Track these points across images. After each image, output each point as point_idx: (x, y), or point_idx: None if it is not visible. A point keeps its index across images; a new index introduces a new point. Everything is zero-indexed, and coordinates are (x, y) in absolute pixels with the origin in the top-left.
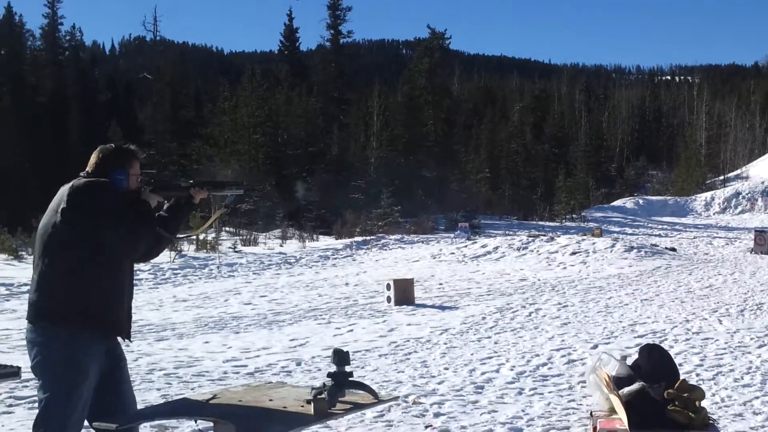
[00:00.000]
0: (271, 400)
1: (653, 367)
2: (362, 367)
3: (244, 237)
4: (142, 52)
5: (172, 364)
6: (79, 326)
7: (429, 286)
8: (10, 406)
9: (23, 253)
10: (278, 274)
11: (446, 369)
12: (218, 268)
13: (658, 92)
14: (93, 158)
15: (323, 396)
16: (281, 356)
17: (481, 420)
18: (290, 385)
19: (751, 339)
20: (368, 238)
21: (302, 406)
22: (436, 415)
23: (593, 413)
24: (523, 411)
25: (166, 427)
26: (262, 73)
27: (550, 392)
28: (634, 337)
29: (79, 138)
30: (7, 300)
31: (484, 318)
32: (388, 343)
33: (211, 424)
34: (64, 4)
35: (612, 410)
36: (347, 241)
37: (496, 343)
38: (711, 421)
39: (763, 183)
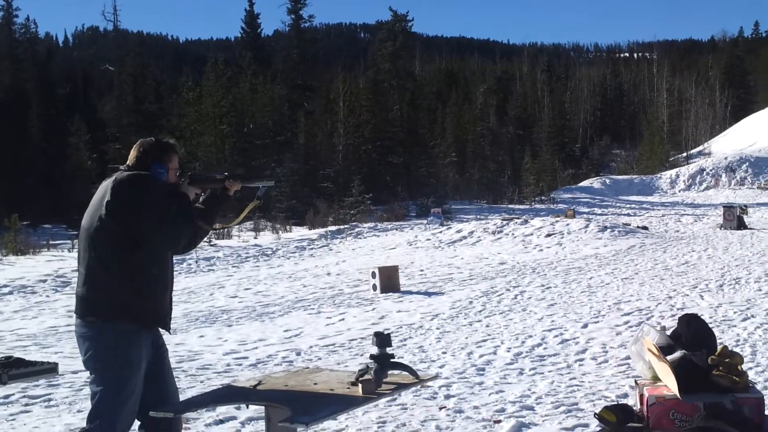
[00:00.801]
0: (315, 383)
1: (693, 335)
2: (361, 355)
3: (218, 230)
4: (96, 43)
5: (174, 359)
6: (128, 319)
7: (411, 273)
8: (27, 405)
9: None
10: (257, 266)
11: (444, 353)
12: (196, 262)
13: (618, 70)
14: (133, 152)
15: (369, 377)
16: (279, 347)
17: (491, 400)
18: (329, 369)
19: (735, 312)
20: (342, 227)
21: (348, 388)
22: (446, 397)
23: (638, 381)
24: (529, 390)
25: (187, 419)
26: (224, 62)
27: (549, 371)
28: (621, 315)
29: (40, 133)
30: None
31: (471, 302)
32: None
33: (260, 408)
34: None
35: (655, 378)
36: (321, 230)
37: (487, 326)
38: (752, 384)
39: (726, 159)
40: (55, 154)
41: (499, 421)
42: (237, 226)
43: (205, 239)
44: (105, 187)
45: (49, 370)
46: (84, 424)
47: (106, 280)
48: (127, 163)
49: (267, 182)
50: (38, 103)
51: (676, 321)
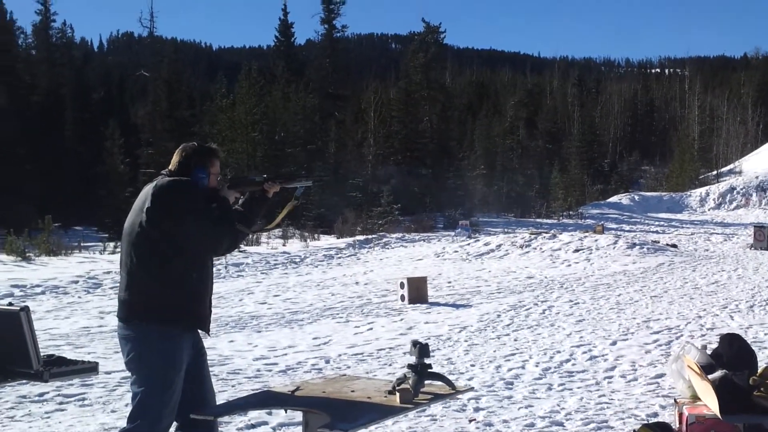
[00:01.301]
0: (353, 391)
1: (735, 355)
2: (390, 365)
3: (258, 232)
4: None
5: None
6: (170, 322)
7: (438, 285)
8: (61, 403)
9: (30, 254)
10: (286, 273)
11: (472, 366)
12: (226, 267)
13: (650, 85)
14: (176, 157)
15: (407, 386)
16: (308, 354)
17: (520, 414)
18: (365, 378)
19: (765, 334)
20: (370, 236)
21: (385, 397)
22: (476, 409)
23: (677, 400)
24: (558, 405)
25: (219, 423)
26: (257, 70)
27: (578, 388)
28: (650, 333)
29: (74, 137)
30: (23, 301)
31: (499, 316)
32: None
33: (292, 414)
34: (54, 1)
35: (695, 397)
36: (349, 240)
37: (515, 340)
38: None
39: (757, 178)
40: (88, 158)
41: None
42: (266, 233)
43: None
44: (146, 192)
45: (89, 369)
46: (118, 424)
47: (148, 284)
48: (170, 167)
49: (305, 182)
50: (74, 107)
51: (718, 340)
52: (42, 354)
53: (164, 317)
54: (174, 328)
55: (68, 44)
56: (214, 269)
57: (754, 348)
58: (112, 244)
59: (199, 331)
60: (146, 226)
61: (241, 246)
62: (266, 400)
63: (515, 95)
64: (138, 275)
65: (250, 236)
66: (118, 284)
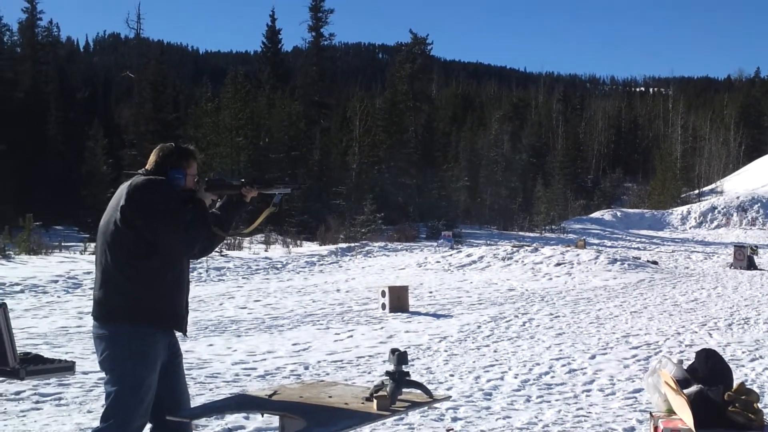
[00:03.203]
0: (330, 397)
1: (710, 370)
2: (369, 372)
3: (230, 241)
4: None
5: (183, 366)
6: (143, 321)
7: (420, 294)
8: (37, 402)
9: (10, 252)
10: (267, 278)
11: (452, 376)
12: (207, 271)
13: (634, 104)
14: (152, 157)
15: (384, 393)
16: (288, 360)
17: (497, 425)
18: (343, 383)
19: (743, 352)
20: (352, 244)
21: (362, 403)
22: (453, 419)
23: (653, 414)
24: (536, 417)
25: (196, 426)
26: (243, 75)
27: (557, 400)
28: (630, 348)
29: (58, 136)
30: (1, 299)
31: (479, 327)
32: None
33: (269, 419)
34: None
35: (670, 411)
36: (332, 247)
37: (495, 351)
38: (767, 423)
39: (738, 198)
40: (71, 157)
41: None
42: (249, 238)
43: (216, 249)
44: (121, 191)
45: (66, 368)
46: (94, 425)
47: (121, 283)
48: (146, 167)
49: (283, 189)
50: (57, 106)
51: (694, 355)
52: (19, 352)
53: (138, 317)
54: (148, 328)
55: (54, 43)
56: (195, 272)
57: (731, 365)
58: (92, 245)
59: (176, 332)
60: (120, 225)
61: (223, 250)
62: (243, 403)
63: (500, 109)
64: (112, 274)
65: (232, 240)
66: None
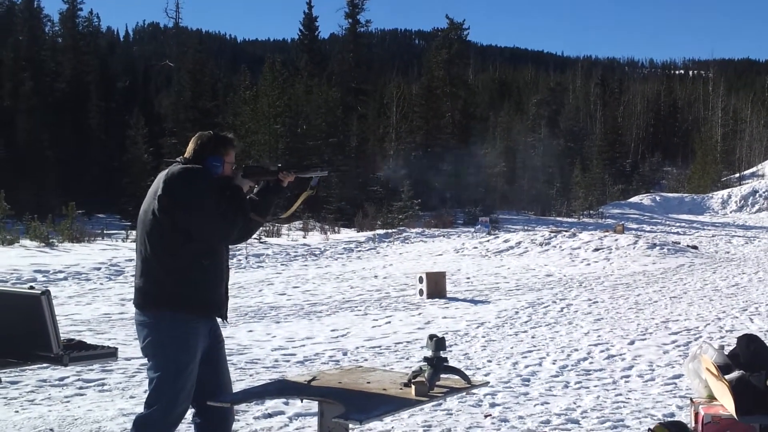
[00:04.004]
0: (368, 382)
1: (752, 356)
2: (407, 358)
3: (268, 228)
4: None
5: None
6: (184, 309)
7: (457, 280)
8: (81, 388)
9: (54, 240)
10: (306, 265)
11: (489, 362)
12: (246, 258)
13: (673, 87)
14: (191, 145)
15: (422, 379)
16: (326, 346)
17: (536, 411)
18: (381, 369)
19: None
20: (390, 231)
21: (401, 389)
22: (491, 405)
23: (693, 400)
24: (574, 403)
25: (236, 411)
26: (281, 62)
27: (595, 386)
28: (669, 334)
29: (99, 125)
30: (45, 286)
31: (517, 312)
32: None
33: (308, 404)
34: None
35: (711, 397)
36: (369, 233)
37: (533, 337)
38: None
39: None
40: (112, 146)
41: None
42: (287, 225)
43: (255, 235)
44: (159, 180)
45: (109, 354)
46: (136, 410)
47: (160, 271)
48: (185, 155)
49: (320, 173)
50: (98, 96)
51: (735, 341)
52: (62, 338)
53: (177, 304)
54: (188, 315)
55: (94, 33)
56: (235, 259)
57: None
58: (134, 232)
59: (217, 318)
60: (158, 214)
61: (262, 237)
62: (283, 389)
63: (537, 93)
64: (151, 262)
65: (270, 227)
66: None
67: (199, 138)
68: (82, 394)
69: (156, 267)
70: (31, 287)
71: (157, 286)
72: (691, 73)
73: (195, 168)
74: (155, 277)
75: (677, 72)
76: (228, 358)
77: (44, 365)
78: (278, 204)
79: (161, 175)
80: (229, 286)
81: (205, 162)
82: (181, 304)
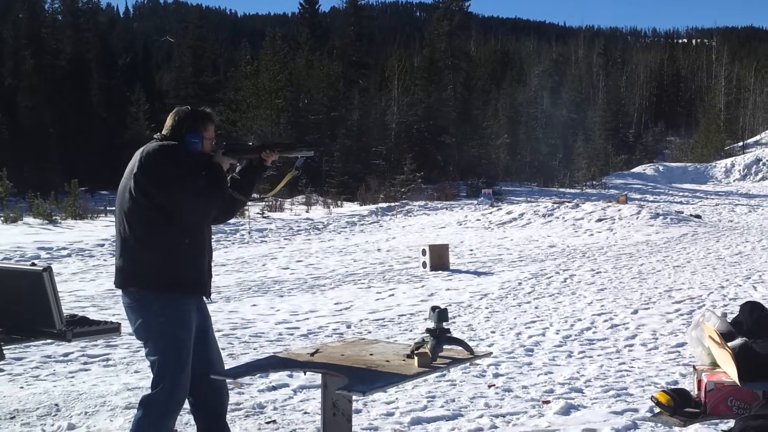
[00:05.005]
0: (371, 354)
1: (755, 323)
2: (411, 330)
3: (270, 203)
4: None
5: (228, 326)
6: (167, 289)
7: (460, 252)
8: (85, 363)
9: (57, 217)
10: (309, 239)
11: (493, 332)
12: (249, 233)
13: (676, 56)
14: (169, 120)
15: (425, 350)
16: (330, 319)
17: (539, 380)
18: (384, 341)
19: None
20: (392, 204)
21: (404, 360)
22: (495, 375)
23: (696, 367)
24: (578, 372)
25: (241, 384)
26: (281, 37)
27: (599, 355)
28: (672, 303)
29: (100, 102)
30: (49, 263)
31: (520, 283)
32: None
33: (312, 377)
34: None
35: (714, 364)
36: (372, 207)
37: (536, 308)
38: None
39: None
40: (114, 123)
41: (547, 402)
42: (290, 200)
43: (258, 211)
44: (135, 157)
45: (112, 329)
46: (141, 384)
47: (139, 251)
48: (162, 131)
49: (306, 152)
50: (99, 73)
51: (738, 308)
52: (65, 314)
53: (159, 284)
54: (173, 294)
55: (94, 10)
56: (238, 234)
57: None
58: None
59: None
60: (134, 193)
61: (265, 212)
62: (286, 362)
63: (540, 64)
64: (129, 242)
65: (273, 202)
66: None
67: (177, 114)
68: (86, 370)
69: (136, 247)
70: (33, 264)
71: (138, 265)
72: (694, 41)
73: (170, 145)
74: (134, 256)
75: (680, 41)
76: (232, 331)
77: (48, 341)
78: (262, 181)
79: (138, 152)
80: (212, 264)
81: (184, 138)
82: (164, 284)
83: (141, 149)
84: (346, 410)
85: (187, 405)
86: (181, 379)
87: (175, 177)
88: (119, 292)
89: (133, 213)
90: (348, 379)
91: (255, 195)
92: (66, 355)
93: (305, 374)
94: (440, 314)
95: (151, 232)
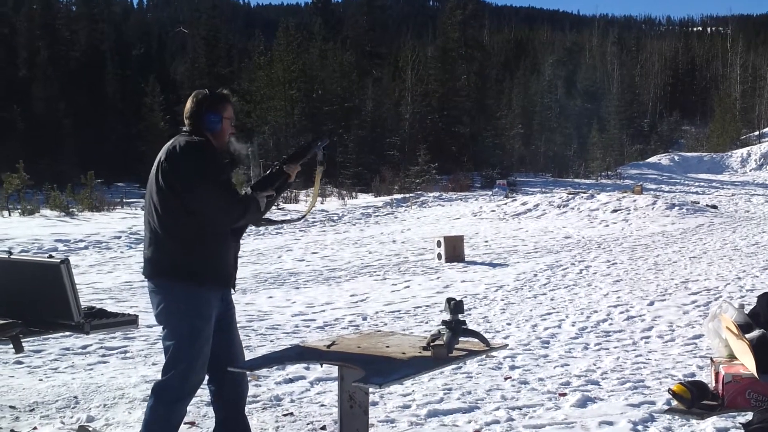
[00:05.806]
0: (387, 346)
1: None
2: (426, 322)
3: (286, 195)
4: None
5: (244, 318)
6: (192, 279)
7: (475, 244)
8: (104, 355)
9: (74, 209)
10: (324, 231)
11: (509, 324)
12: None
13: (691, 44)
14: (188, 104)
15: (441, 342)
16: (346, 311)
17: (555, 373)
18: (400, 333)
19: None
20: (407, 195)
21: (420, 352)
22: (511, 367)
23: (713, 359)
24: (594, 365)
25: (258, 377)
26: (294, 27)
27: (615, 347)
28: (689, 294)
29: (115, 93)
30: (66, 255)
31: (535, 275)
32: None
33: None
34: None
35: (731, 356)
36: (387, 198)
37: (552, 299)
38: None
39: None
40: (129, 114)
41: (564, 394)
42: (304, 191)
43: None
44: (163, 150)
45: (129, 321)
46: (159, 377)
47: (167, 242)
48: (185, 114)
49: (321, 144)
50: (114, 64)
51: (755, 299)
52: (83, 306)
53: (185, 275)
54: (198, 284)
55: (108, 1)
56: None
57: None
58: None
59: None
60: (161, 185)
61: (280, 203)
62: (302, 354)
63: (554, 54)
64: (157, 233)
65: (288, 194)
66: None
67: (195, 96)
68: (105, 362)
69: (162, 237)
70: (51, 256)
71: (165, 256)
72: (709, 29)
73: (198, 142)
74: (162, 247)
75: (695, 29)
76: (248, 324)
77: (67, 333)
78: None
79: (167, 145)
80: (238, 256)
81: (204, 118)
82: (189, 274)
83: (169, 142)
84: (362, 402)
85: (207, 396)
86: (195, 367)
87: (200, 173)
88: (136, 284)
89: (160, 205)
90: (364, 372)
91: (302, 210)
92: (84, 347)
93: (322, 366)
94: (456, 306)
95: (177, 224)
